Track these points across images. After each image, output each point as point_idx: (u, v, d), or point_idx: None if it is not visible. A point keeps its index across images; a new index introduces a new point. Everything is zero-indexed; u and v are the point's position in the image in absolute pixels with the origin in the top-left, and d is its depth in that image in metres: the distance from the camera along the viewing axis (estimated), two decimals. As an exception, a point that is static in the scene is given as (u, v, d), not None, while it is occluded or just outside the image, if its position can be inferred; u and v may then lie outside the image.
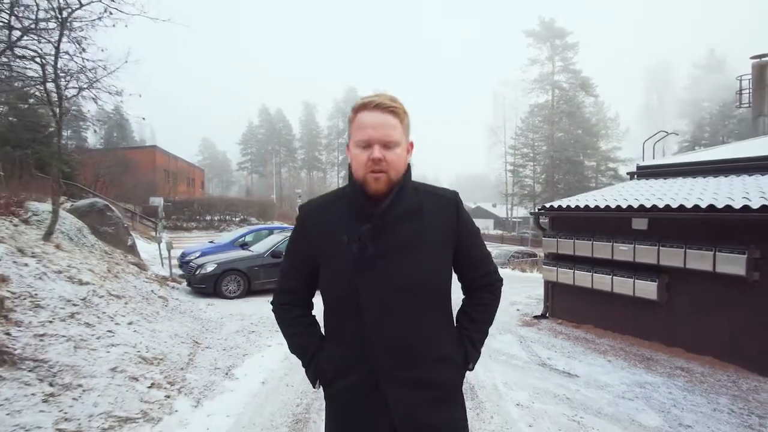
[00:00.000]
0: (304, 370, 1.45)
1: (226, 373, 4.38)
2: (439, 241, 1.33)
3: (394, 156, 1.26)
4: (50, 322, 3.55)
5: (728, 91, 46.33)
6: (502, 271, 13.39)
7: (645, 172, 8.93)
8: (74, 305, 4.07)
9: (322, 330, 1.45)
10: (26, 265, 4.23)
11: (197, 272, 8.92)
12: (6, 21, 5.58)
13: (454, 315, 1.47)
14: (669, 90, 46.49)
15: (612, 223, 6.63)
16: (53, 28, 5.52)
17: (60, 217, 8.13)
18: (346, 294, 1.28)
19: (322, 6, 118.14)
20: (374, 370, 1.27)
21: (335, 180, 71.02)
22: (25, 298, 3.64)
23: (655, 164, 8.98)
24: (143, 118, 7.98)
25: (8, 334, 3.02)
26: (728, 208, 5.12)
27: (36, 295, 3.81)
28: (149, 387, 3.38)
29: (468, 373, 1.46)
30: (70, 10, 5.24)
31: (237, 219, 33.68)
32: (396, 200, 1.27)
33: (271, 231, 12.91)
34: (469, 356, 1.42)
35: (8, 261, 4.03)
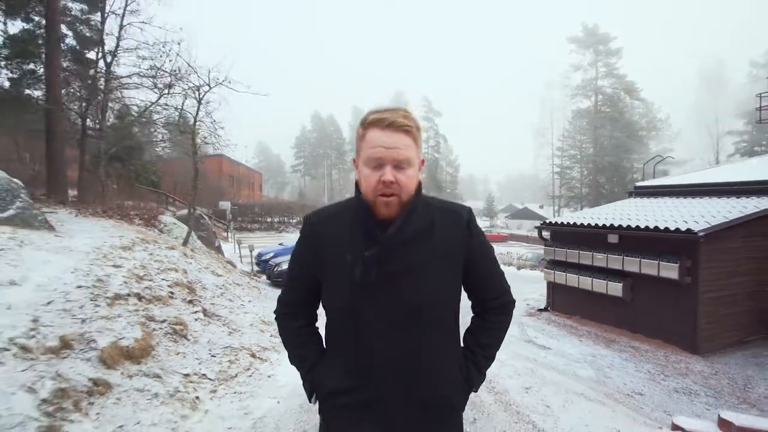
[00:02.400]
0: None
1: (309, 335, 6.82)
2: (449, 261, 1.28)
3: (405, 178, 1.20)
4: (214, 297, 6.11)
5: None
6: (530, 273, 15.66)
7: (640, 192, 10.66)
8: (220, 288, 6.65)
9: (324, 343, 1.40)
10: (190, 263, 6.87)
11: (275, 269, 11.58)
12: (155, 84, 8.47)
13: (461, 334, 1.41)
14: (723, 90, 45.11)
15: (594, 237, 8.52)
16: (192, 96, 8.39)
17: (176, 225, 11.08)
18: (348, 312, 1.25)
19: (368, 18, 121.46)
20: (376, 389, 1.24)
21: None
22: (197, 284, 6.22)
23: (648, 185, 10.65)
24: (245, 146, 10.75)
25: (201, 302, 5.56)
26: (666, 229, 6.96)
27: (201, 281, 6.40)
28: (270, 336, 5.84)
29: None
30: (205, 90, 8.00)
31: (294, 221, 36.97)
32: (405, 224, 1.22)
33: (328, 236, 15.46)
34: (473, 380, 1.37)
35: (182, 261, 6.68)
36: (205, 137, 8.65)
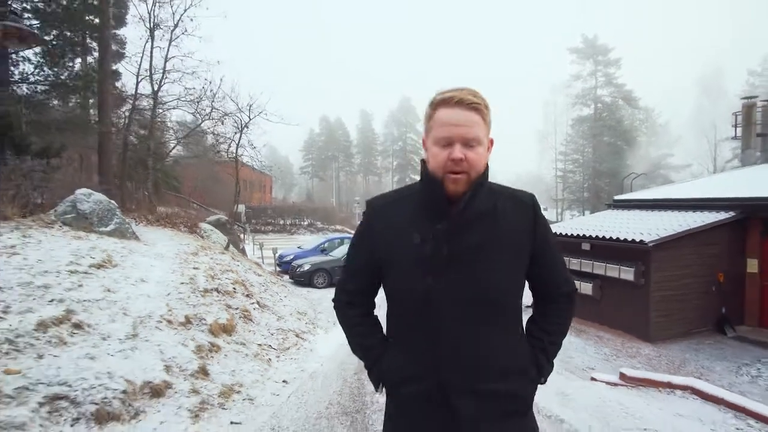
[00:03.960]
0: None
1: (334, 323, 8.39)
2: (515, 248, 1.26)
3: (475, 155, 1.20)
4: (260, 292, 7.75)
5: (787, 98, 45.41)
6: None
7: (617, 204, 12.21)
8: (263, 286, 8.29)
9: (385, 331, 1.40)
10: (238, 265, 8.53)
11: (297, 270, 13.25)
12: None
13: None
14: (722, 98, 46.25)
15: (572, 244, 10.07)
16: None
17: (213, 231, 12.76)
18: (417, 298, 1.22)
19: (374, 22, 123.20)
20: (444, 380, 1.21)
21: (390, 184, 75.10)
22: (247, 282, 7.86)
23: (623, 199, 12.21)
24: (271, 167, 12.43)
25: (254, 296, 7.20)
26: (626, 240, 8.52)
27: (249, 280, 8.04)
28: (306, 323, 7.47)
29: None
30: (245, 123, 9.67)
31: (305, 223, 38.65)
32: (473, 200, 1.21)
33: (342, 240, 17.13)
34: (543, 369, 1.34)
35: (233, 264, 8.33)
36: (246, 162, 10.33)
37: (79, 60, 12.48)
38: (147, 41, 12.91)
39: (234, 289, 6.70)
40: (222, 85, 11.22)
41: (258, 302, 6.94)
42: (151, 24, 12.29)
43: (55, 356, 3.06)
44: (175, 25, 12.39)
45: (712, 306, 9.07)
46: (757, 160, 15.31)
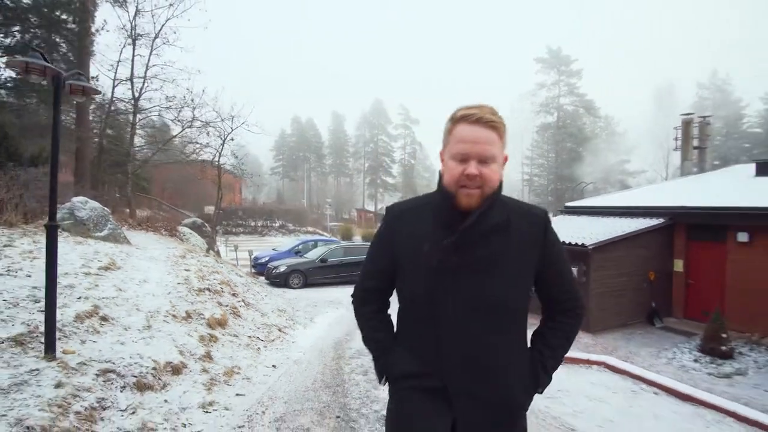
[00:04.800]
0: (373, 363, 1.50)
1: (311, 320, 9.19)
2: (524, 260, 1.31)
3: (489, 172, 1.25)
4: (244, 292, 8.47)
5: (730, 109, 49.04)
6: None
7: (568, 211, 13.48)
8: (245, 286, 9.01)
9: (395, 329, 1.48)
10: (222, 267, 9.21)
11: (273, 271, 13.92)
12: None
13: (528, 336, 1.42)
14: (676, 108, 49.42)
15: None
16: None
17: (192, 234, 13.29)
18: (423, 303, 1.30)
19: (346, 26, 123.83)
20: (444, 378, 1.29)
21: (361, 186, 75.78)
22: (231, 282, 8.57)
23: (573, 206, 13.50)
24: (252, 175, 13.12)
25: (239, 295, 7.93)
26: (570, 243, 9.69)
27: (233, 281, 8.75)
28: (286, 319, 8.25)
29: None
30: (228, 134, 10.32)
31: (276, 225, 38.89)
32: (484, 215, 1.26)
33: (316, 243, 17.86)
34: (540, 382, 1.39)
35: (217, 266, 9.01)
36: (228, 170, 10.96)
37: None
38: (124, 47, 13.31)
39: (222, 288, 7.42)
40: (203, 95, 11.72)
41: (243, 300, 7.68)
42: (133, 34, 12.72)
43: (94, 341, 3.79)
44: (156, 35, 12.85)
45: (644, 300, 10.38)
46: (693, 171, 17.03)
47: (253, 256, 16.97)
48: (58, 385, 2.87)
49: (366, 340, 1.53)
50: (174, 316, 5.21)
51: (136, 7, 13.02)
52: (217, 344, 5.26)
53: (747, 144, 48.86)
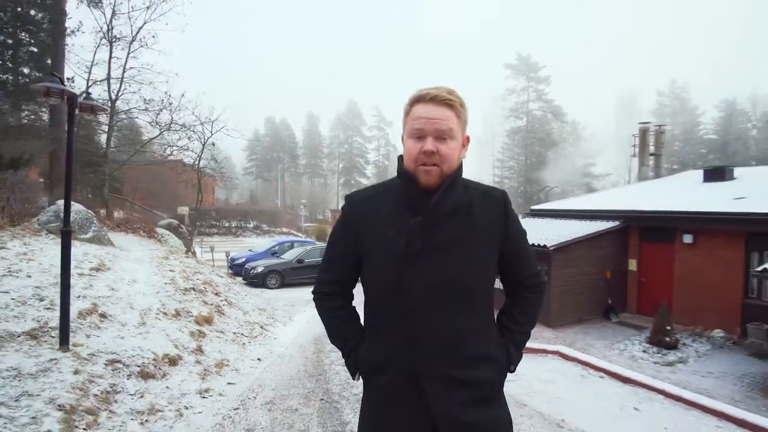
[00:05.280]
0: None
1: (290, 318, 9.59)
2: (487, 240, 1.33)
3: (447, 149, 1.25)
4: (225, 292, 8.80)
5: (688, 116, 51.72)
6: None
7: (533, 213, 14.29)
8: (226, 286, 9.32)
9: (362, 322, 1.45)
10: (202, 268, 9.50)
11: (251, 272, 14.20)
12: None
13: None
14: (638, 114, 51.81)
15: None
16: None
17: (170, 236, 13.45)
18: (391, 288, 1.28)
19: (320, 18, 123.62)
20: (416, 366, 1.27)
21: (335, 187, 75.92)
22: (213, 282, 8.88)
23: (538, 209, 14.33)
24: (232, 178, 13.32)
25: (222, 295, 8.26)
26: (533, 244, 10.41)
27: (214, 281, 9.06)
28: (266, 317, 8.63)
29: None
30: (208, 138, 10.59)
31: (250, 226, 38.73)
32: (446, 195, 1.26)
33: (292, 244, 18.17)
34: (512, 357, 1.42)
35: (198, 266, 9.30)
36: (208, 174, 11.19)
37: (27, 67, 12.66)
38: (98, 47, 13.33)
39: (205, 288, 7.75)
40: (182, 99, 11.91)
41: (226, 300, 8.02)
42: (110, 36, 12.77)
43: (97, 336, 4.14)
44: (133, 39, 12.94)
45: (601, 297, 11.22)
46: (650, 176, 18.21)
47: (230, 257, 17.15)
48: (76, 372, 3.24)
49: (333, 337, 1.50)
50: (165, 313, 5.55)
51: (113, 9, 13.07)
52: (206, 339, 5.64)
53: (703, 150, 51.66)
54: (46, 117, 13.08)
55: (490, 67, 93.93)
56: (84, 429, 2.71)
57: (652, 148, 18.62)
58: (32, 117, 13.41)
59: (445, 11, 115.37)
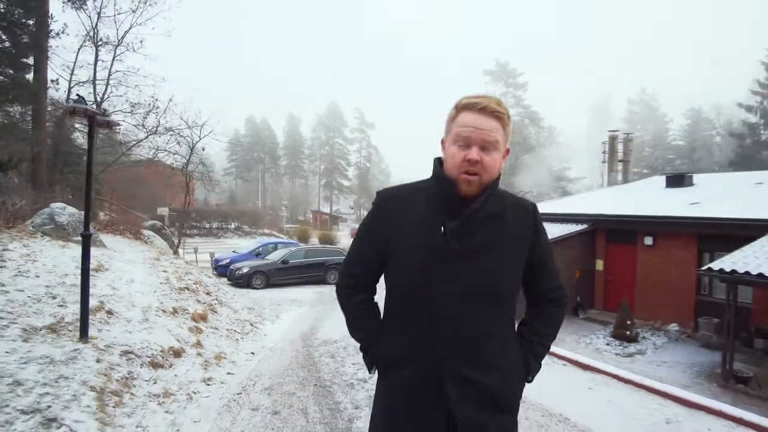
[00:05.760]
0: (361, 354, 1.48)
1: (277, 317, 9.98)
2: (517, 249, 1.35)
3: (490, 160, 1.27)
4: (215, 291, 9.16)
5: (657, 123, 53.79)
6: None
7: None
8: (215, 286, 9.67)
9: (382, 316, 1.46)
10: (192, 269, 9.81)
11: (236, 273, 14.50)
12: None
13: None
14: (610, 121, 53.63)
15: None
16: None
17: (155, 237, 13.66)
18: (420, 288, 1.29)
19: (300, 29, 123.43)
20: (439, 365, 1.27)
21: (317, 188, 75.96)
22: (203, 282, 9.22)
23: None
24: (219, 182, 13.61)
25: (213, 294, 8.61)
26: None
27: (204, 281, 9.40)
28: (255, 316, 9.02)
29: None
30: (196, 142, 10.90)
31: (232, 227, 38.65)
32: (485, 203, 1.28)
33: (276, 245, 18.49)
34: (531, 368, 1.42)
35: (188, 267, 9.62)
36: (196, 178, 11.46)
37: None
38: (81, 48, 13.43)
39: (197, 288, 8.11)
40: (170, 104, 12.15)
41: (217, 299, 8.39)
42: (95, 39, 12.91)
43: (108, 330, 4.52)
44: (119, 43, 13.11)
45: (571, 295, 11.92)
46: (618, 181, 19.18)
47: (214, 258, 17.37)
48: (98, 361, 3.63)
49: (354, 330, 1.50)
50: (164, 311, 5.93)
51: (98, 12, 13.21)
52: (203, 335, 6.03)
53: (672, 155, 53.78)
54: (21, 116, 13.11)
55: (470, 72, 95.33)
56: (113, 407, 3.13)
57: (620, 155, 19.62)
58: (16, 117, 13.39)
59: (426, 15, 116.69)
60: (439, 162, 1.38)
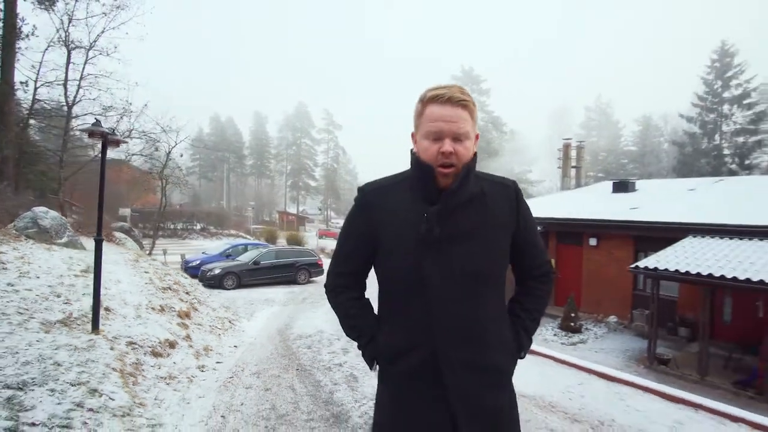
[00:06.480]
0: (361, 351, 1.48)
1: (252, 315, 10.52)
2: (501, 228, 1.36)
3: (463, 149, 1.28)
4: (193, 291, 9.62)
5: (612, 130, 56.88)
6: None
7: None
8: (192, 286, 10.11)
9: (376, 311, 1.47)
10: (169, 269, 10.22)
11: (208, 274, 14.85)
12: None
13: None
14: (569, 127, 56.35)
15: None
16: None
17: (127, 239, 13.86)
18: (411, 276, 1.30)
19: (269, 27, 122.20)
20: (437, 351, 1.29)
21: (283, 188, 75.62)
22: (181, 283, 9.66)
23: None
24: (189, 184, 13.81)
25: (192, 294, 9.10)
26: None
27: (181, 281, 9.83)
28: (232, 314, 9.55)
29: None
30: (172, 147, 11.21)
31: (197, 228, 38.18)
32: (462, 185, 1.29)
33: (246, 246, 18.86)
34: (523, 344, 1.44)
35: (166, 268, 10.02)
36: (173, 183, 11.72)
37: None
38: (47, 48, 13.45)
39: (177, 288, 8.58)
40: (145, 109, 12.37)
41: (196, 298, 8.89)
42: (67, 41, 12.99)
43: (110, 325, 5.04)
44: (91, 46, 13.22)
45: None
46: (571, 185, 20.63)
47: (184, 260, 17.57)
48: (112, 348, 4.18)
49: (349, 329, 1.50)
50: (153, 308, 6.45)
51: (69, 15, 13.29)
52: (190, 330, 6.59)
53: (625, 160, 56.98)
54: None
55: (438, 76, 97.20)
56: (132, 385, 3.72)
57: (573, 162, 21.12)
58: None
59: (390, 15, 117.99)
60: (413, 153, 1.40)
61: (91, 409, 2.83)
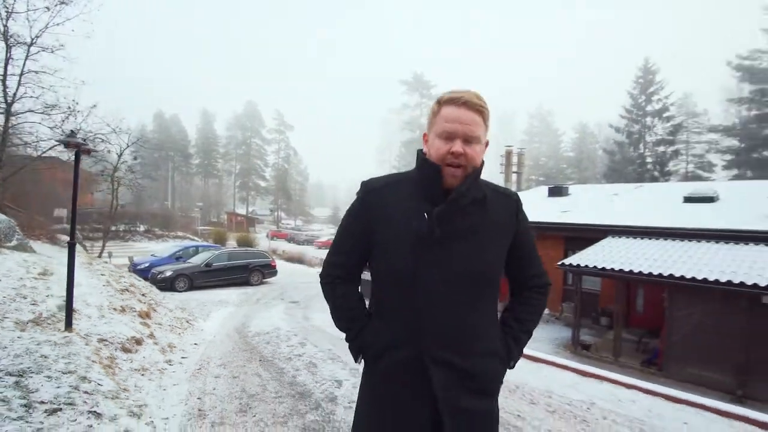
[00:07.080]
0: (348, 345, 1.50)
1: (207, 315, 10.74)
2: (499, 237, 1.39)
3: (473, 152, 1.32)
4: (149, 293, 9.72)
5: (553, 136, 60.42)
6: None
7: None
8: (146, 288, 10.19)
9: (368, 306, 1.48)
10: (123, 272, 10.23)
11: (159, 276, 14.73)
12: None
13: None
14: (514, 133, 59.37)
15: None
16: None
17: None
18: (407, 275, 1.31)
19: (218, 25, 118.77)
20: (423, 349, 1.30)
21: (232, 188, 73.92)
22: (135, 285, 9.73)
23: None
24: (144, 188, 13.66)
25: (148, 296, 9.22)
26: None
27: (136, 284, 9.89)
28: (188, 314, 9.75)
29: None
30: (124, 149, 11.13)
31: (141, 229, 36.76)
32: (468, 188, 1.32)
33: (197, 249, 18.73)
34: (512, 354, 1.45)
35: (120, 271, 10.04)
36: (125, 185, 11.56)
37: None
38: None
39: (134, 290, 8.71)
40: (93, 109, 12.11)
41: (153, 299, 9.04)
42: (6, 36, 12.49)
43: (78, 324, 5.29)
44: (32, 42, 12.78)
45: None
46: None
47: (132, 263, 17.21)
48: (87, 344, 4.48)
49: (339, 321, 1.51)
50: (114, 309, 6.67)
51: (8, 9, 12.80)
52: (152, 329, 6.85)
53: (564, 165, 60.74)
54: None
55: (388, 81, 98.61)
56: (113, 375, 4.07)
57: (515, 167, 22.59)
58: None
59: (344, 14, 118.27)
60: (421, 152, 1.43)
61: (86, 392, 3.21)
